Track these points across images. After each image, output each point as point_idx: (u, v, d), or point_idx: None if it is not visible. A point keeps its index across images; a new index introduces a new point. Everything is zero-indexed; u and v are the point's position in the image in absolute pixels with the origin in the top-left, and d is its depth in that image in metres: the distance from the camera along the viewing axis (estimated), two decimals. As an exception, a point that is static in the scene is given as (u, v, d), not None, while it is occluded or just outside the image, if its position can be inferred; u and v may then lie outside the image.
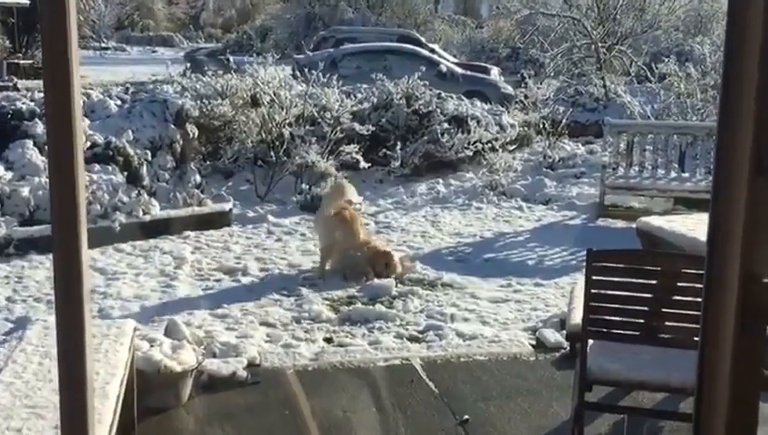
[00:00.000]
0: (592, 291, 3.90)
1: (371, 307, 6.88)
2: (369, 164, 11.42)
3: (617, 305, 3.94)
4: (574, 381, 4.40)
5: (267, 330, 6.35)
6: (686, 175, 10.76)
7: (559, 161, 12.96)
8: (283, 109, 11.26)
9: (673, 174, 10.83)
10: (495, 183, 11.63)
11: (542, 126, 14.32)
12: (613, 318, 3.94)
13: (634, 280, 3.89)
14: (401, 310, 6.89)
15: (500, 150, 12.85)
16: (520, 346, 6.02)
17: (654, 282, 3.97)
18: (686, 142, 10.94)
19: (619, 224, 10.12)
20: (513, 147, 13.49)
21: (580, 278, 7.65)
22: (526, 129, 14.55)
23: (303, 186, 10.87)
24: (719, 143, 2.08)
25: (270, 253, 8.65)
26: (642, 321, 3.94)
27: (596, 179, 11.71)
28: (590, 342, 4.09)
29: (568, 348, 5.77)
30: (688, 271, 3.82)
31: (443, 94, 13.56)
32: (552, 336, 6.07)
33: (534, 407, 5.03)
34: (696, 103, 14.13)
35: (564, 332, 5.98)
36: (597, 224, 10.19)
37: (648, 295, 3.92)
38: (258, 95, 11.63)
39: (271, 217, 10.01)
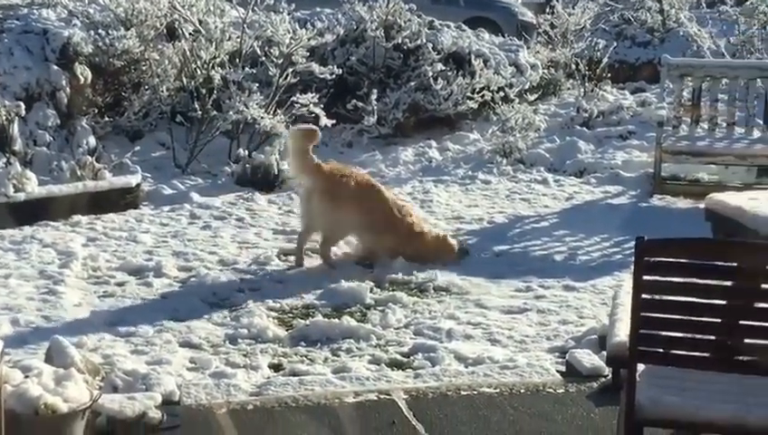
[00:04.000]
0: (644, 296, 3.90)
1: (336, 321, 6.88)
2: (334, 121, 11.39)
3: (678, 316, 3.94)
4: (618, 421, 4.41)
5: (190, 353, 6.33)
6: (776, 135, 10.83)
7: (598, 117, 12.99)
8: (211, 43, 11.20)
9: (756, 133, 10.89)
10: (510, 147, 11.65)
11: (574, 67, 14.33)
12: (673, 334, 3.94)
13: (702, 281, 3.89)
14: (378, 324, 6.89)
15: (516, 101, 12.85)
16: (544, 374, 6.03)
17: (729, 283, 3.97)
18: (773, 90, 11.00)
19: (682, 203, 10.18)
20: (535, 96, 13.52)
21: (627, 279, 7.76)
22: (553, 71, 14.57)
23: (241, 151, 10.84)
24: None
25: (194, 245, 8.62)
26: (713, 338, 3.94)
27: (648, 141, 11.77)
28: (641, 367, 4.07)
29: (610, 376, 5.79)
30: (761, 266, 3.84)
31: (437, 23, 13.53)
32: (588, 360, 6.07)
33: (564, 458, 5.04)
34: (788, 35, 14.21)
35: (605, 353, 6.01)
36: (651, 203, 10.24)
37: (722, 302, 3.91)
38: (177, 23, 11.53)
39: (195, 196, 9.99)
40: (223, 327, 6.80)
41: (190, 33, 11.47)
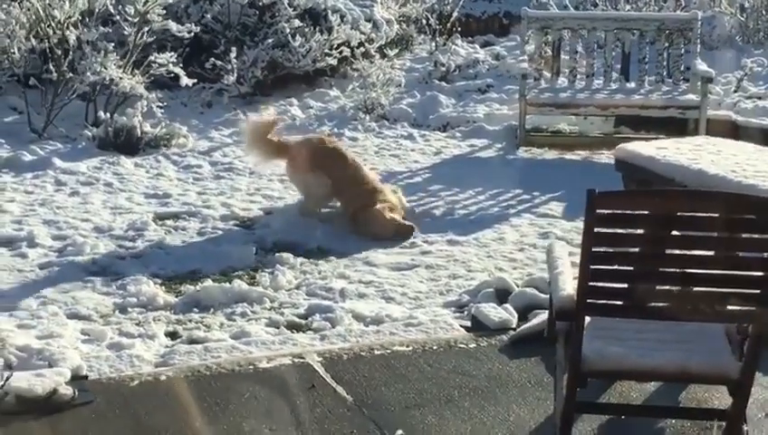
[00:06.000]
0: (595, 250, 3.90)
1: (228, 285, 6.74)
2: (195, 80, 11.12)
3: (627, 268, 3.96)
4: (557, 373, 4.44)
5: (81, 325, 6.12)
6: (632, 85, 11.06)
7: (455, 71, 13.06)
8: (65, 1, 10.75)
9: (614, 84, 11.10)
10: (372, 103, 11.59)
11: (425, 22, 14.36)
12: (622, 285, 3.95)
13: (654, 232, 3.90)
14: (270, 287, 6.79)
15: (376, 56, 12.81)
16: (449, 330, 6.04)
17: (681, 233, 3.99)
18: (629, 41, 11.21)
19: (549, 155, 10.33)
20: (394, 52, 13.47)
21: (508, 231, 7.87)
22: (404, 26, 14.55)
23: (101, 114, 10.48)
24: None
25: (65, 213, 8.31)
26: (666, 288, 3.96)
27: (508, 94, 11.91)
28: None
29: (517, 329, 5.88)
30: (715, 216, 3.88)
31: (290, -22, 13.34)
32: (495, 314, 6.10)
33: (488, 412, 5.05)
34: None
35: (508, 306, 6.10)
36: (518, 155, 10.34)
37: (675, 252, 3.93)
38: (24, -19, 11.07)
39: (58, 161, 9.59)
40: (110, 296, 6.58)
41: (39, -8, 11.00)
